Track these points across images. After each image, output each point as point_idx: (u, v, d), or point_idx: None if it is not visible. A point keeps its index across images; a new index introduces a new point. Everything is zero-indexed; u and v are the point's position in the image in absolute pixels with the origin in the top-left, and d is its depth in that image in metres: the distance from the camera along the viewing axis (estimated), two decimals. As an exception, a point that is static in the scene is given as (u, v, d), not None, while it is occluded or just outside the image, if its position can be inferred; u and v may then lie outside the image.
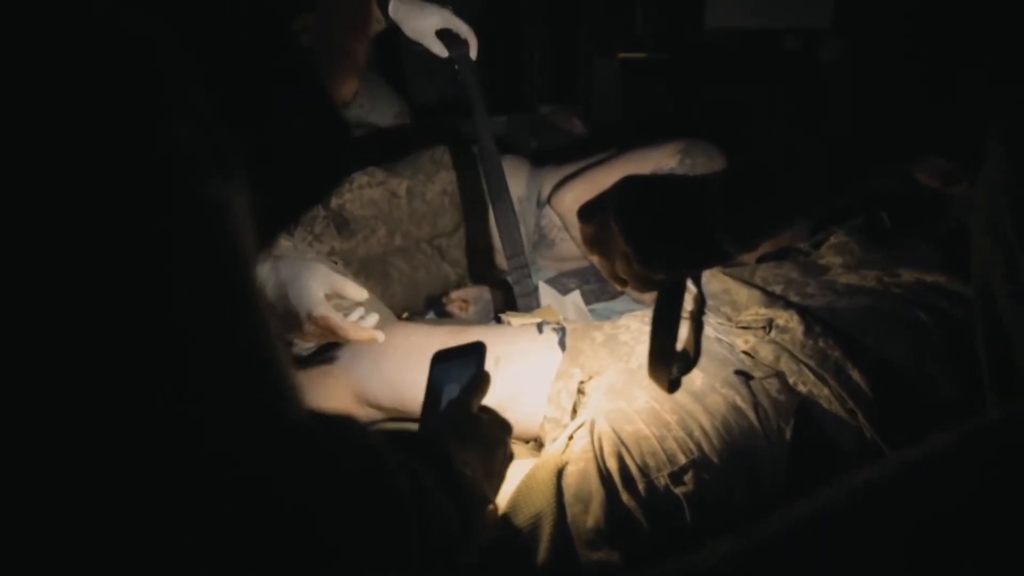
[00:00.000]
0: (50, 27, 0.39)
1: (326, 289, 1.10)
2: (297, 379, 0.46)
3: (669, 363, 0.79)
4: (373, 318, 1.19)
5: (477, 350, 0.83)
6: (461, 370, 0.81)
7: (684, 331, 0.78)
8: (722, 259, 0.69)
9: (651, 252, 0.69)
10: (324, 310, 1.08)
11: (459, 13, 1.61)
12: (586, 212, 0.73)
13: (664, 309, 0.77)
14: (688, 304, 0.78)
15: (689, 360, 0.80)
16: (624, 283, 0.75)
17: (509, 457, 0.79)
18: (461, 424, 0.75)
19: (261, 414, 0.41)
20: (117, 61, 0.40)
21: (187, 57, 0.44)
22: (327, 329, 1.10)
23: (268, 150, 0.58)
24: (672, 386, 0.81)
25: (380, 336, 1.12)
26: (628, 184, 0.71)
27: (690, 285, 0.77)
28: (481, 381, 0.81)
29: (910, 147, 0.64)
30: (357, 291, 1.13)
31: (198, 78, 0.44)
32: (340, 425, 0.51)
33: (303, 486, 0.42)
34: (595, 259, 0.76)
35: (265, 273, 1.03)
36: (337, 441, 0.48)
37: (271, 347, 0.43)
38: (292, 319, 1.07)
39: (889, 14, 0.64)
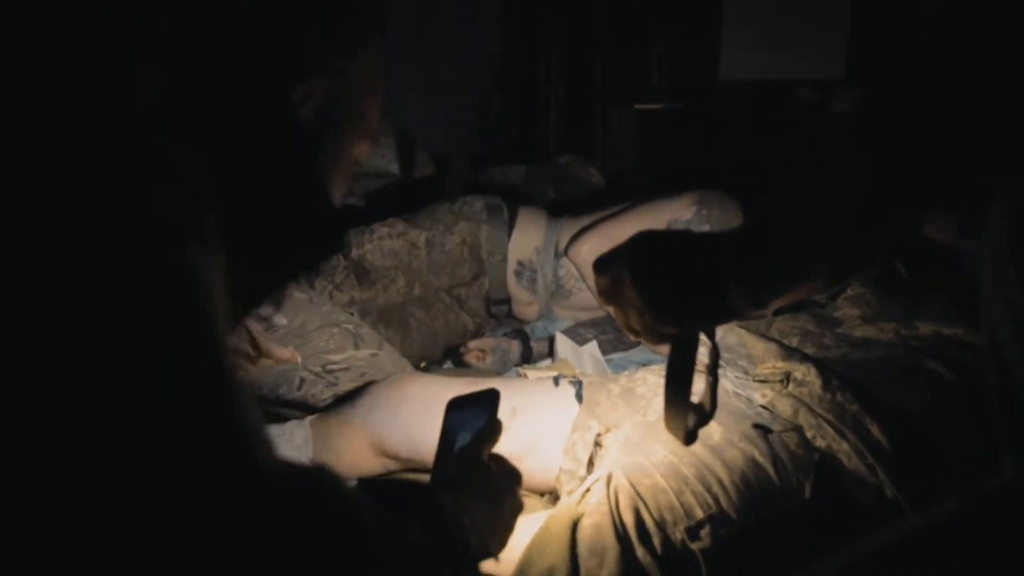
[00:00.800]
0: (52, 96, 0.42)
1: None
2: (267, 432, 0.48)
3: (684, 415, 0.79)
4: (281, 319, 1.23)
5: (491, 397, 0.83)
6: (474, 418, 0.81)
7: (700, 384, 0.79)
8: (734, 316, 0.69)
9: (663, 306, 0.70)
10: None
11: (479, 64, 1.67)
12: (601, 265, 0.74)
13: (677, 362, 0.78)
14: (703, 357, 0.78)
15: (705, 413, 0.80)
16: (638, 335, 0.76)
17: (518, 507, 0.78)
18: (469, 472, 0.75)
19: (232, 461, 0.43)
20: (111, 134, 0.43)
21: (184, 126, 0.48)
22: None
23: (274, 209, 0.61)
24: (688, 438, 0.81)
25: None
26: (642, 238, 0.72)
27: (705, 338, 0.78)
28: (493, 429, 0.81)
29: (924, 199, 0.65)
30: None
31: (194, 146, 0.47)
32: (313, 475, 0.51)
33: (271, 530, 0.43)
34: (610, 311, 0.77)
35: None
36: (309, 490, 0.49)
37: (241, 401, 0.45)
38: None
39: (901, 66, 0.65)
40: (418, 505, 0.64)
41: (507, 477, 0.78)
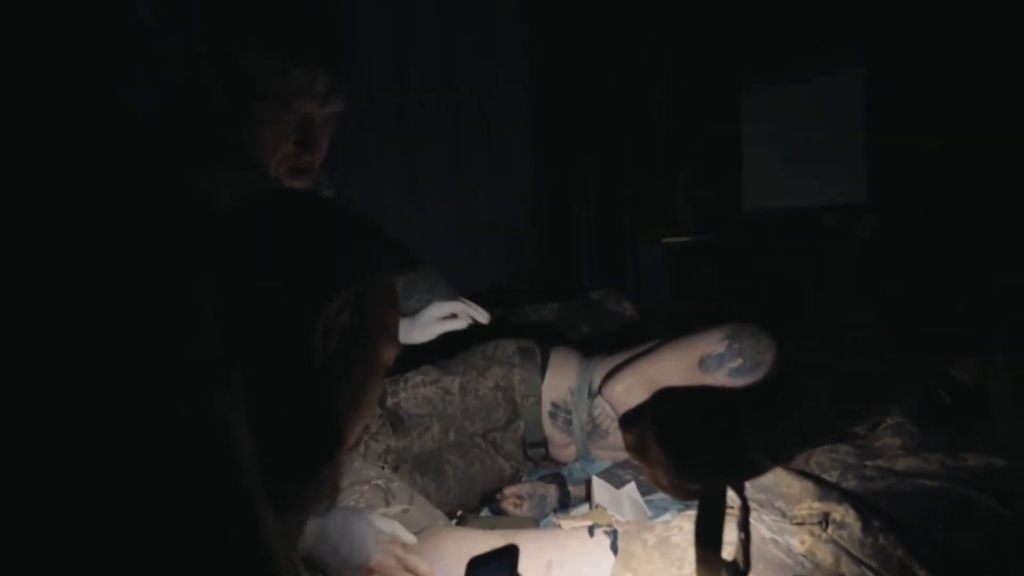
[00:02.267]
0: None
1: (377, 536, 1.12)
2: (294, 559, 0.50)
3: (717, 573, 0.77)
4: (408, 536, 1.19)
5: (510, 553, 0.83)
6: (494, 573, 0.80)
7: (733, 537, 0.77)
8: (755, 473, 0.69)
9: (684, 464, 0.70)
10: (380, 557, 1.09)
11: (509, 197, 1.84)
12: (626, 422, 0.76)
13: (705, 518, 0.77)
14: (735, 512, 0.77)
15: (738, 570, 0.78)
16: (666, 491, 0.75)
17: None
18: None
19: None
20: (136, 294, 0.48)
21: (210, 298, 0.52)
22: (389, 572, 1.10)
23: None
24: None
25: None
26: (665, 396, 0.73)
27: (734, 494, 0.77)
28: None
29: (938, 345, 0.64)
30: (405, 535, 1.15)
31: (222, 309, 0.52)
32: None
33: None
34: (639, 463, 0.77)
35: (312, 533, 1.06)
36: None
37: (269, 545, 0.48)
38: (349, 572, 1.08)
39: (916, 193, 0.66)
40: None
41: None
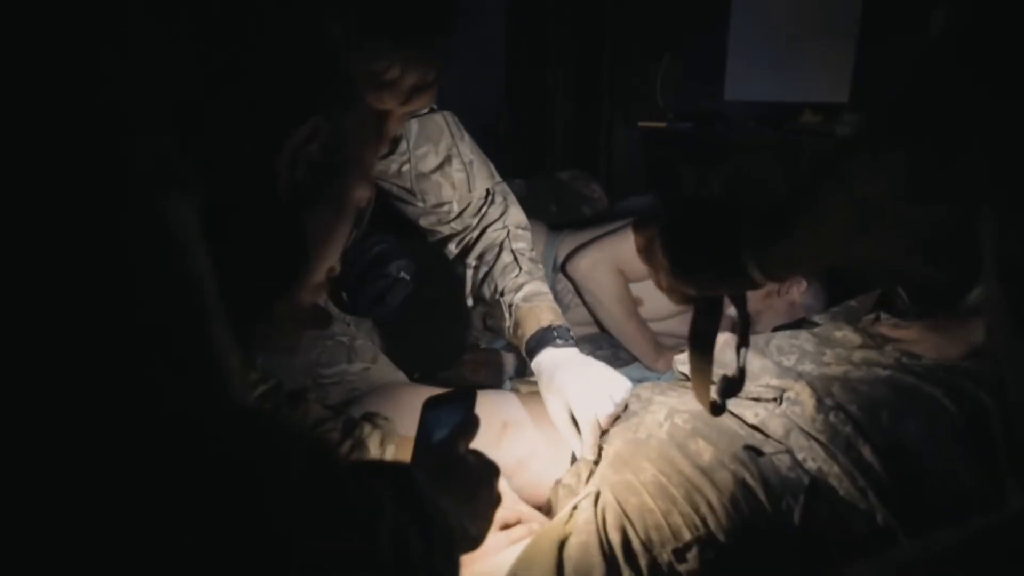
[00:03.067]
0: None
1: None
2: (241, 361, 0.49)
3: (709, 383, 0.82)
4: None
5: (467, 397, 0.83)
6: (450, 415, 0.80)
7: (728, 356, 0.80)
8: (747, 286, 0.73)
9: (684, 267, 0.76)
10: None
11: (486, 81, 1.67)
12: (640, 225, 0.80)
13: (701, 323, 0.81)
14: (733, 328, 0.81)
15: (735, 383, 0.83)
16: (667, 293, 0.81)
17: (496, 500, 0.77)
18: (447, 463, 0.75)
19: (206, 386, 0.44)
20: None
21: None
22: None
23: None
24: (715, 409, 0.84)
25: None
26: (678, 205, 0.78)
27: (735, 309, 0.81)
28: (470, 423, 0.81)
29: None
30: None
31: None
32: (297, 426, 0.52)
33: (242, 453, 0.43)
34: (647, 269, 0.82)
35: None
36: (277, 423, 0.49)
37: (215, 331, 0.46)
38: None
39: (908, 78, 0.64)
40: (396, 480, 0.63)
41: (485, 470, 0.78)
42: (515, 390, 1.28)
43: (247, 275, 0.59)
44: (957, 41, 0.56)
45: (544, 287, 1.32)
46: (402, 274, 1.29)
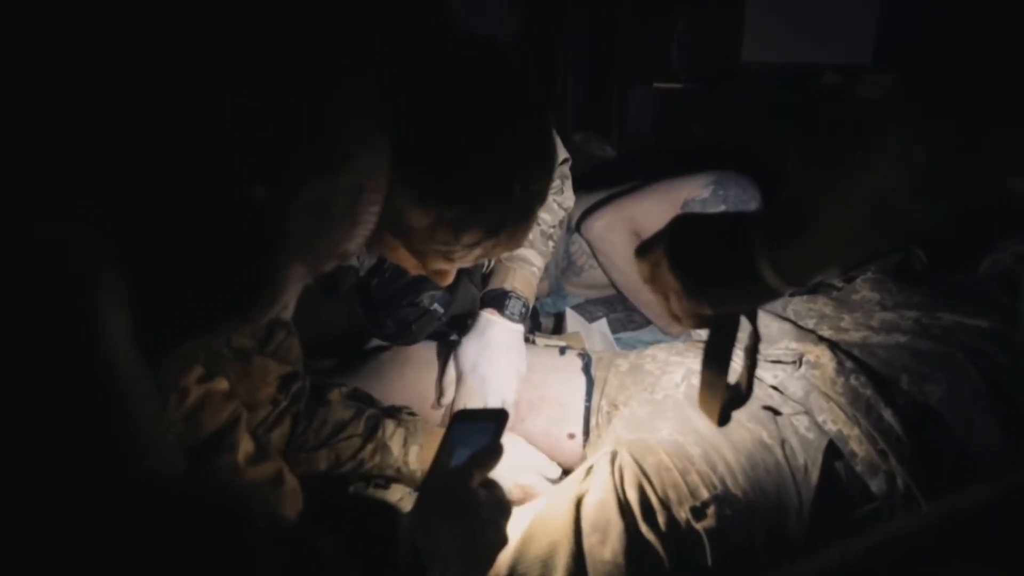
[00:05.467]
0: None
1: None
2: (171, 443, 0.48)
3: (719, 397, 0.78)
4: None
5: (500, 416, 0.81)
6: (478, 435, 0.78)
7: (737, 365, 0.77)
8: (769, 297, 0.68)
9: (699, 289, 0.70)
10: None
11: (498, 36, 1.59)
12: (642, 250, 0.74)
13: (716, 343, 0.77)
14: (744, 339, 0.77)
15: (741, 395, 0.79)
16: (680, 320, 0.75)
17: (500, 543, 0.74)
18: (455, 493, 0.72)
19: (125, 465, 0.43)
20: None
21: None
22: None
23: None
24: (722, 420, 0.80)
25: None
26: (680, 222, 0.72)
27: (746, 322, 0.76)
28: (492, 451, 0.77)
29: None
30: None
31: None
32: (223, 486, 0.50)
33: (159, 531, 0.43)
34: (655, 294, 0.76)
35: None
36: (202, 497, 0.48)
37: (139, 412, 0.45)
38: None
39: (932, 52, 0.61)
40: (376, 523, 0.61)
41: (494, 507, 0.74)
42: (531, 341, 1.27)
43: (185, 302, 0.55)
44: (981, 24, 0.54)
45: (536, 258, 1.30)
46: (435, 306, 1.21)
